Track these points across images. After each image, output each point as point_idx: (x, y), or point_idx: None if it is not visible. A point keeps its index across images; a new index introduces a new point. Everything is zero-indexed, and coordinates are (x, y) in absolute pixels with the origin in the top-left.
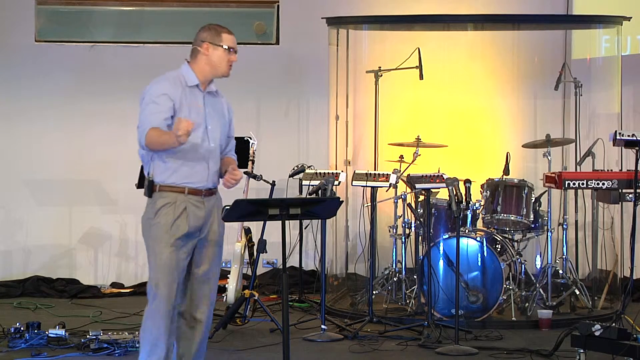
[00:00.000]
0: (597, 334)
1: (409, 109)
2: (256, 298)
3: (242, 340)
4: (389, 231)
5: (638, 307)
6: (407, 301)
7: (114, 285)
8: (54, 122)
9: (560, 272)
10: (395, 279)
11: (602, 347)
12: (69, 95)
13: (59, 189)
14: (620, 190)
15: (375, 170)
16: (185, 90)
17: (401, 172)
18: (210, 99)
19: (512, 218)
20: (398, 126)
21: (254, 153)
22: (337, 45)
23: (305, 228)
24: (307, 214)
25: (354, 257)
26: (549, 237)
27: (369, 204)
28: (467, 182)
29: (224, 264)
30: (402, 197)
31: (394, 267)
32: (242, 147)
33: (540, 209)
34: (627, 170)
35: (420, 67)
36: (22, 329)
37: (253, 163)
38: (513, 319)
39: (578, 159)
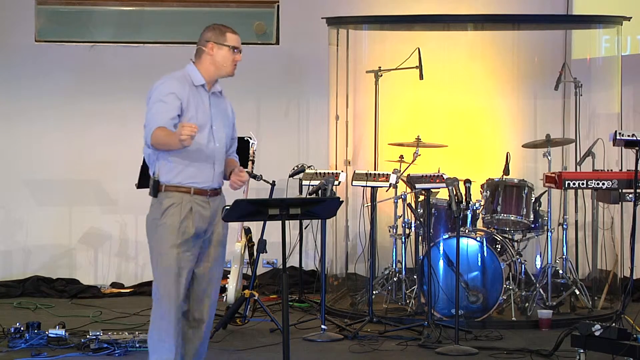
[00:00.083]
0: (597, 334)
1: (409, 109)
2: (256, 298)
3: (242, 340)
4: (389, 231)
5: (638, 307)
6: (407, 301)
7: (114, 285)
8: (54, 122)
9: (560, 272)
10: (395, 279)
11: (602, 347)
12: (69, 95)
13: (59, 189)
14: (620, 190)
15: (375, 170)
16: (192, 90)
17: (401, 172)
18: (214, 100)
19: (512, 218)
20: (398, 126)
21: (254, 153)
22: (337, 45)
23: (305, 228)
24: (307, 214)
25: (354, 257)
26: (549, 237)
27: (369, 204)
28: (467, 182)
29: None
30: (402, 197)
31: (394, 267)
32: (242, 147)
33: (540, 209)
34: (627, 170)
35: (420, 67)
36: (22, 329)
37: (253, 163)
38: (513, 319)
39: (578, 159)
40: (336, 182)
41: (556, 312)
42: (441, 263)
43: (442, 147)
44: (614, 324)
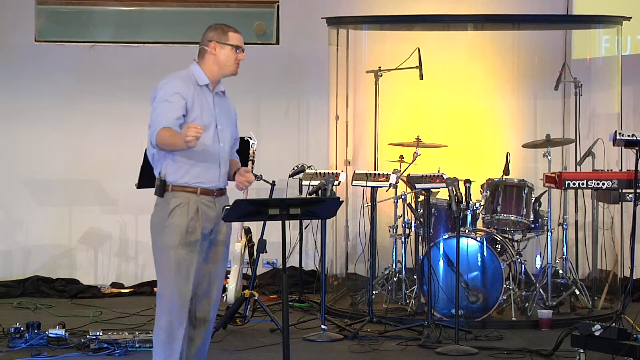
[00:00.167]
0: (597, 334)
1: (409, 109)
2: (256, 298)
3: (242, 340)
4: (389, 231)
5: (638, 307)
6: (407, 301)
7: (114, 285)
8: (54, 122)
9: (560, 272)
10: (395, 279)
11: (602, 347)
12: (69, 95)
13: (59, 189)
14: (620, 190)
15: (375, 170)
16: (197, 90)
17: (401, 172)
18: (218, 100)
19: (512, 218)
20: (398, 126)
21: (254, 153)
22: (337, 45)
23: (305, 228)
24: (307, 214)
25: (354, 257)
26: (549, 237)
27: (369, 204)
28: (467, 182)
29: None
30: (402, 197)
31: (394, 267)
32: (242, 147)
33: (540, 209)
34: (627, 170)
35: (420, 67)
36: (22, 329)
37: (253, 163)
38: (513, 319)
39: (578, 159)
40: (336, 182)
41: (556, 312)
42: (441, 263)
43: (442, 147)
44: (614, 324)
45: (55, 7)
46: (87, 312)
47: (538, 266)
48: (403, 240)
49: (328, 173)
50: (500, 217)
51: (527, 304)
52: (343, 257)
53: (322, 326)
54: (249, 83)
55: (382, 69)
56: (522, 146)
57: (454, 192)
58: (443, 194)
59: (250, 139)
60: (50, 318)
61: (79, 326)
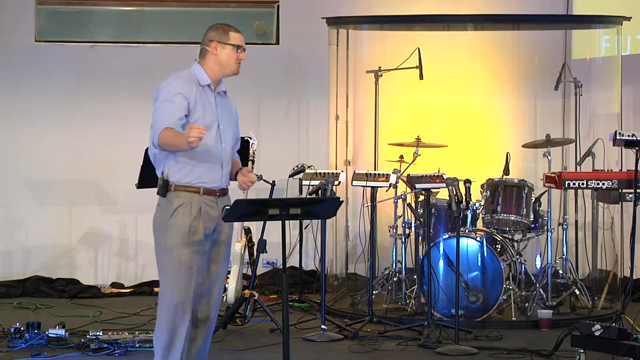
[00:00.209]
0: (597, 334)
1: (409, 109)
2: (256, 298)
3: (242, 340)
4: (389, 231)
5: (638, 307)
6: (407, 301)
7: (114, 285)
8: (54, 122)
9: (560, 272)
10: (395, 279)
11: (602, 347)
12: (69, 95)
13: (59, 189)
14: (620, 190)
15: (375, 170)
16: (199, 90)
17: (401, 172)
18: (220, 99)
19: (512, 218)
20: (398, 126)
21: (254, 153)
22: (337, 45)
23: (305, 228)
24: (307, 214)
25: (354, 257)
26: (549, 237)
27: (369, 204)
28: (467, 182)
29: None
30: (402, 197)
31: (394, 267)
32: (242, 147)
33: (540, 209)
34: (627, 170)
35: (420, 67)
36: (22, 329)
37: (253, 163)
38: (513, 319)
39: (578, 159)
40: (336, 182)
41: (556, 312)
42: (441, 263)
43: (442, 147)
44: (614, 324)
45: (55, 7)
46: (87, 312)
47: (538, 266)
48: (403, 240)
49: (328, 173)
50: (500, 217)
51: (527, 304)
52: (343, 257)
53: (322, 326)
54: (249, 83)
55: (382, 69)
56: (522, 146)
57: (454, 192)
58: (443, 194)
59: (250, 139)
60: (50, 318)
61: (79, 326)
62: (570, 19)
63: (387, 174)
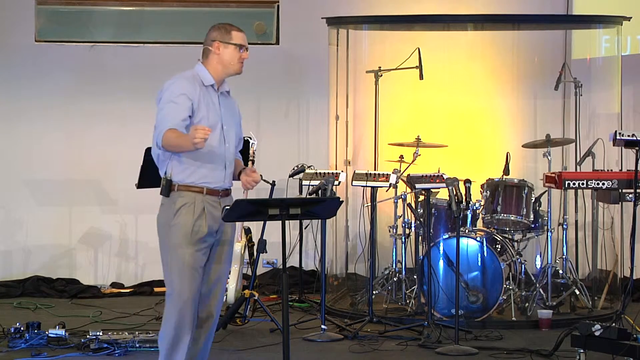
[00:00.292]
0: (597, 334)
1: (409, 109)
2: (256, 298)
3: (242, 340)
4: (389, 231)
5: (638, 307)
6: (407, 301)
7: (114, 285)
8: (54, 122)
9: (560, 272)
10: (395, 279)
11: (602, 347)
12: (69, 95)
13: (59, 189)
14: (620, 190)
15: (375, 170)
16: (203, 90)
17: (401, 172)
18: (223, 99)
19: (512, 218)
20: (398, 126)
21: (254, 153)
22: (337, 45)
23: (305, 228)
24: (307, 214)
25: (354, 257)
26: (549, 237)
27: (369, 204)
28: (467, 182)
29: None
30: (402, 197)
31: (394, 267)
32: (243, 147)
33: (540, 209)
34: (627, 170)
35: (420, 67)
36: (22, 329)
37: (253, 163)
38: (513, 319)
39: (578, 159)
40: (336, 182)
41: (556, 312)
42: (441, 263)
43: (442, 147)
44: (614, 324)
45: (55, 7)
46: (87, 312)
47: (538, 266)
48: (403, 240)
49: (328, 173)
50: (500, 217)
51: (527, 304)
52: (343, 257)
53: (322, 326)
54: (249, 83)
55: (382, 69)
56: (522, 146)
57: (454, 192)
58: (443, 194)
59: (250, 139)
60: (50, 318)
61: (79, 326)
62: (570, 19)
63: (387, 174)
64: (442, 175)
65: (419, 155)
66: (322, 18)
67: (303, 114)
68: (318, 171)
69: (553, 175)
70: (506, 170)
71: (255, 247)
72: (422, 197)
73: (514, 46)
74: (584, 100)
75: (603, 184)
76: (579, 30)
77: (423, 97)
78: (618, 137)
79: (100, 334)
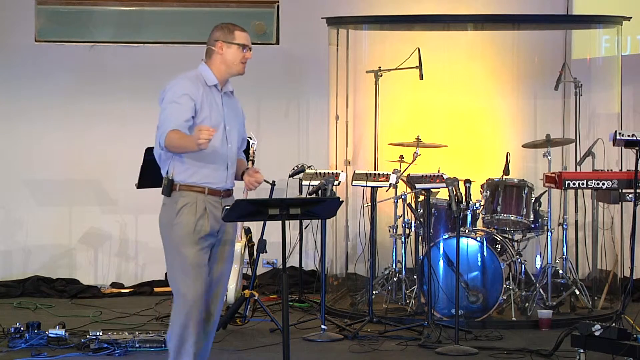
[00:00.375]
0: (597, 334)
1: (409, 109)
2: (256, 298)
3: (242, 340)
4: (389, 231)
5: (638, 307)
6: (407, 301)
7: (114, 285)
8: (54, 122)
9: (560, 272)
10: (395, 279)
11: (602, 347)
12: (69, 95)
13: (59, 189)
14: (620, 190)
15: (375, 170)
16: (206, 90)
17: (401, 172)
18: (226, 99)
19: (512, 218)
20: (398, 126)
21: (254, 153)
22: (337, 45)
23: (305, 228)
24: (307, 214)
25: (354, 257)
26: (549, 237)
27: (369, 204)
28: (467, 182)
29: None
30: (402, 197)
31: (394, 267)
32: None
33: (540, 209)
34: (627, 170)
35: (420, 67)
36: (22, 329)
37: (253, 163)
38: (513, 319)
39: (578, 159)
40: (336, 182)
41: (556, 312)
42: (441, 263)
43: (442, 147)
44: (614, 324)
45: (55, 7)
46: (87, 312)
47: (538, 266)
48: (403, 240)
49: (328, 173)
50: (500, 217)
51: (527, 304)
52: (343, 257)
53: (322, 326)
54: (249, 83)
55: (382, 69)
56: (522, 146)
57: (454, 192)
58: (443, 194)
59: (250, 139)
60: (50, 318)
61: (79, 326)
62: (570, 19)
63: (387, 174)
64: (442, 175)
65: (419, 155)
66: (322, 18)
67: (303, 114)
68: (318, 171)
69: (553, 175)
70: (506, 170)
71: (255, 247)
72: (422, 197)
73: (514, 46)
74: (584, 100)
75: (603, 184)
76: (579, 30)
77: (423, 97)
78: (618, 137)
79: (100, 334)
